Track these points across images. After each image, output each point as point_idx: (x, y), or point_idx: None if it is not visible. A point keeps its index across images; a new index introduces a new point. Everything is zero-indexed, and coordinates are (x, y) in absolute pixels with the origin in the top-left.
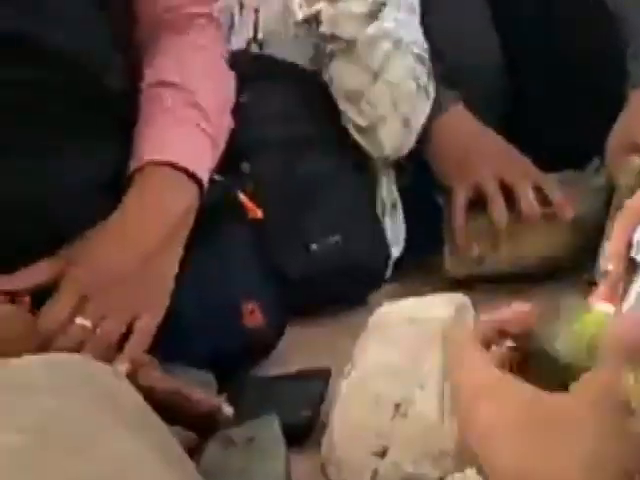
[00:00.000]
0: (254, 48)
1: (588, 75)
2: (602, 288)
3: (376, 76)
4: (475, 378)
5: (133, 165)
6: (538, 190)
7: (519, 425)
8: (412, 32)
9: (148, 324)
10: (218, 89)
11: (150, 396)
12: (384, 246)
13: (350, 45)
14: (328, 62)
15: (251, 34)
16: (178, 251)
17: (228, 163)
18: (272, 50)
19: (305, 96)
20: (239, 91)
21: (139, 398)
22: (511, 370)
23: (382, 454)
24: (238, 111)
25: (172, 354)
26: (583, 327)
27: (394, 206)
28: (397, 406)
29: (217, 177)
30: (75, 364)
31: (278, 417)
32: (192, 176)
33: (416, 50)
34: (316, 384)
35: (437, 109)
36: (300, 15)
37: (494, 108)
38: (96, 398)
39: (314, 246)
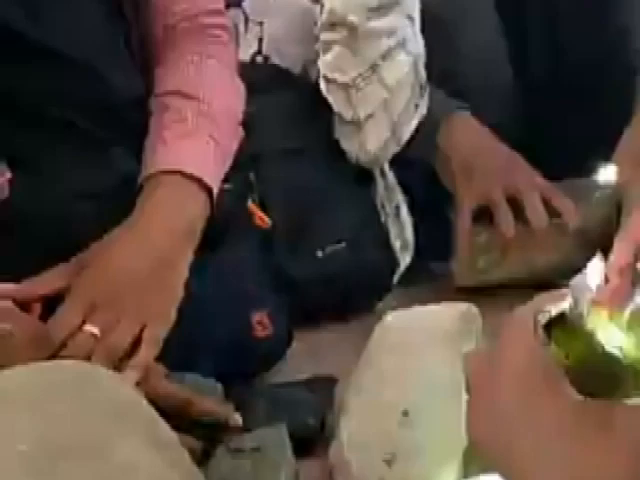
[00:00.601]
0: (259, 61)
1: (595, 87)
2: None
3: (373, 70)
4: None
5: (144, 174)
6: (545, 200)
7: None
8: (417, 40)
9: (157, 332)
10: (230, 99)
11: (158, 404)
12: (390, 253)
13: (351, 34)
14: (324, 52)
15: (256, 47)
16: (188, 260)
17: (235, 171)
18: (276, 61)
19: (310, 105)
20: (246, 101)
21: (149, 407)
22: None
23: (390, 462)
24: (244, 120)
25: (180, 363)
26: None
27: (397, 212)
28: (404, 413)
29: (227, 186)
30: (85, 372)
31: (285, 425)
32: (203, 185)
33: (414, 58)
34: (323, 392)
35: (444, 118)
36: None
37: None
38: (106, 406)
39: (320, 253)
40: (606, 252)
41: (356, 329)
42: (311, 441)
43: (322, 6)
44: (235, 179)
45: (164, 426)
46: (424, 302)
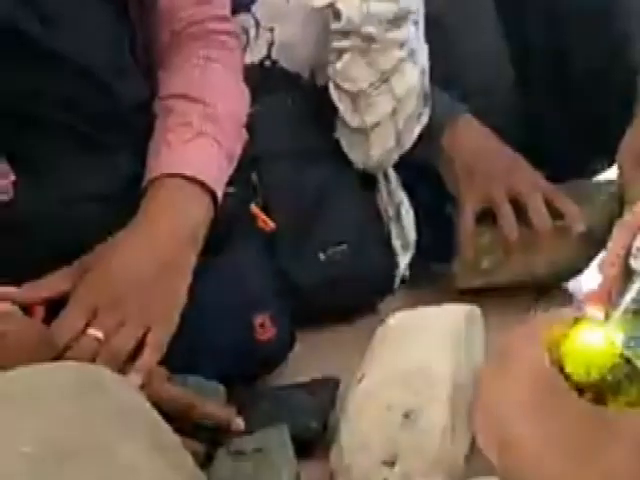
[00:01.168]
0: (267, 65)
1: (597, 89)
2: (595, 292)
3: (384, 80)
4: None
5: (148, 177)
6: (548, 202)
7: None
8: (422, 47)
9: (161, 336)
10: (234, 103)
11: (161, 408)
12: (392, 254)
13: (366, 44)
14: (335, 58)
15: (265, 52)
16: (191, 263)
17: (238, 174)
18: (285, 65)
19: (313, 107)
20: (250, 101)
21: (152, 410)
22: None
23: (392, 463)
24: (248, 122)
25: (182, 366)
26: None
27: (398, 212)
28: (407, 415)
29: (230, 189)
30: (89, 374)
31: (287, 427)
32: (206, 188)
33: (421, 68)
34: (325, 394)
35: (447, 120)
36: (318, 3)
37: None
38: (110, 409)
39: (322, 255)
40: None
41: (358, 330)
42: (313, 443)
43: (335, 12)
44: (238, 182)
45: (167, 429)
46: (427, 303)
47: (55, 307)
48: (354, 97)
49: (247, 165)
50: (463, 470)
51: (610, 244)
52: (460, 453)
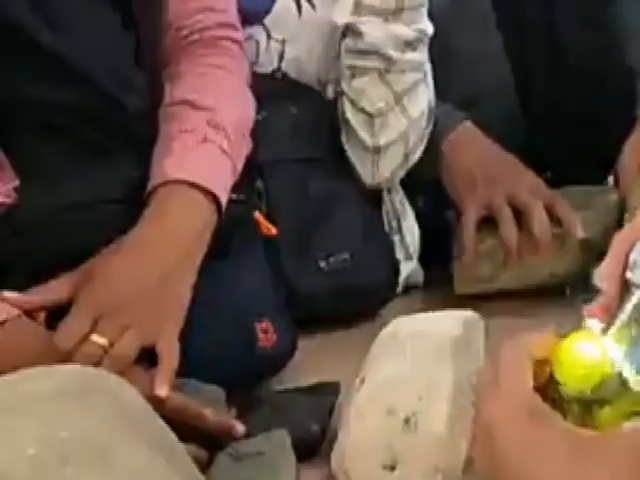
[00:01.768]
0: (278, 77)
1: (597, 92)
2: (595, 305)
3: (398, 101)
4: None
5: (152, 183)
6: (548, 209)
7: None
8: (429, 64)
9: (171, 343)
10: (239, 110)
11: (161, 413)
12: (393, 263)
13: (385, 66)
14: (349, 75)
15: (275, 65)
16: (195, 269)
17: (242, 181)
18: (295, 77)
19: (320, 116)
20: (256, 109)
21: (154, 413)
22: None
23: (392, 467)
24: (253, 128)
25: (184, 371)
26: None
27: (400, 223)
28: (407, 419)
29: (234, 196)
30: (92, 377)
31: (288, 431)
32: (210, 195)
33: (430, 90)
34: (326, 398)
35: (448, 127)
36: (341, 20)
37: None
38: (113, 411)
39: (323, 263)
40: None
41: (359, 335)
42: (313, 447)
43: (355, 31)
44: (243, 188)
45: (169, 431)
46: (427, 309)
47: (56, 313)
48: (369, 116)
49: (252, 172)
50: (462, 475)
51: (608, 257)
52: (459, 458)
